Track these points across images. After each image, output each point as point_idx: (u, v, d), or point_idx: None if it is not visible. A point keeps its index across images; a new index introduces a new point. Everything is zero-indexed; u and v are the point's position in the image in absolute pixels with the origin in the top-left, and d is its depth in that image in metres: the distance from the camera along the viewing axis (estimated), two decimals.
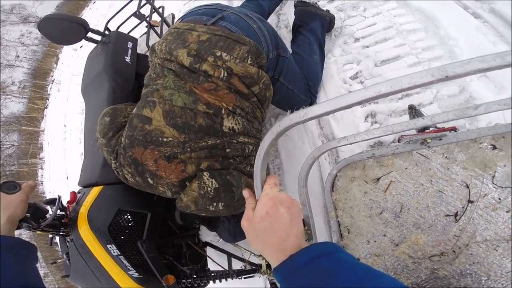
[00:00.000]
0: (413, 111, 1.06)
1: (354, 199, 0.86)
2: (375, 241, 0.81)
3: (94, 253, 0.99)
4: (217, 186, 0.86)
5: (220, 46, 0.93)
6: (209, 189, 0.86)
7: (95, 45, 1.49)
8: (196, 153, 0.88)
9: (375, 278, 0.38)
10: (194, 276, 1.22)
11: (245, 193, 0.56)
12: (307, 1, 1.58)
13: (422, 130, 0.82)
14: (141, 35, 2.21)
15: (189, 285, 1.20)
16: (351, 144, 0.82)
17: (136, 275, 1.01)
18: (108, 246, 0.99)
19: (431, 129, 0.80)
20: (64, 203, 1.05)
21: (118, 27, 1.86)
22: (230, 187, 0.87)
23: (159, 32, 1.98)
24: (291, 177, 1.56)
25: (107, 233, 1.00)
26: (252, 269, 1.45)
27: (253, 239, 0.50)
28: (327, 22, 1.59)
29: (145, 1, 1.81)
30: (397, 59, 1.45)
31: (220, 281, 1.32)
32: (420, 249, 0.73)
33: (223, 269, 1.35)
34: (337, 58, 1.57)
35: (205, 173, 0.87)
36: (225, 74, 0.90)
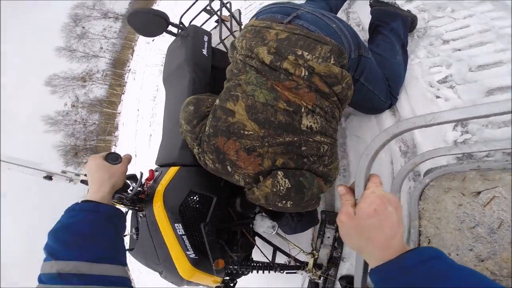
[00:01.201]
0: None
1: (445, 211, 0.82)
2: (457, 255, 0.79)
3: (162, 231, 1.05)
4: (289, 186, 0.89)
5: (301, 45, 0.92)
6: (281, 188, 0.89)
7: (164, 39, 1.60)
8: (273, 148, 0.90)
9: (487, 283, 0.38)
10: (240, 263, 1.25)
11: (341, 189, 0.55)
12: (385, 0, 1.47)
13: None
14: (211, 29, 2.33)
15: (234, 272, 1.22)
16: (462, 154, 0.76)
17: (193, 255, 1.06)
18: (176, 225, 1.05)
19: None
20: (143, 180, 1.12)
21: (191, 21, 1.99)
22: (302, 188, 0.89)
23: (229, 26, 2.06)
24: None
25: (177, 212, 1.06)
26: (297, 266, 1.45)
27: (354, 235, 0.49)
28: (409, 22, 1.47)
29: None
30: (498, 65, 1.24)
31: (263, 272, 1.33)
32: (507, 267, 0.71)
33: (267, 261, 1.36)
34: (422, 60, 1.42)
35: (279, 172, 0.90)
36: (306, 73, 0.90)
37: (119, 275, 0.59)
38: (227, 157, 0.94)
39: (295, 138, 0.91)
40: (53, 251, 0.55)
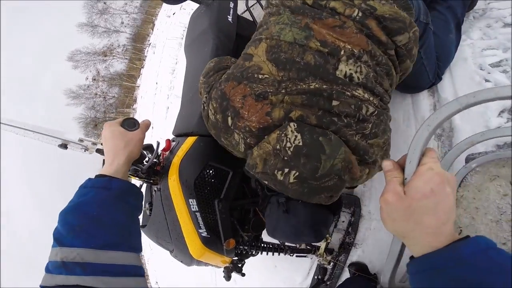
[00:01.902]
0: None
1: (486, 200, 0.76)
2: None
3: (175, 207, 1.01)
4: (300, 144, 0.66)
5: None
6: (288, 144, 0.66)
7: (185, 11, 1.54)
8: (291, 97, 0.70)
9: None
10: (250, 244, 1.20)
11: (388, 164, 0.46)
12: None
13: None
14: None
15: (244, 252, 1.19)
16: (504, 142, 0.67)
17: (205, 234, 1.02)
18: (190, 200, 1.00)
19: None
20: (159, 150, 1.05)
21: None
22: (318, 152, 0.65)
23: None
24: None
25: (192, 186, 1.00)
26: (307, 249, 1.41)
27: (400, 218, 0.42)
28: (469, 1, 1.30)
29: None
30: None
31: (273, 254, 1.29)
32: None
33: (278, 243, 1.32)
34: (475, 42, 1.28)
35: (292, 124, 0.68)
36: (360, 14, 0.75)
37: (129, 264, 0.53)
38: (230, 104, 0.76)
39: (325, 86, 0.70)
40: (59, 236, 0.51)
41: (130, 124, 0.72)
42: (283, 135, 0.67)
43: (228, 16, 1.37)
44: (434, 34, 1.14)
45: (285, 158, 0.66)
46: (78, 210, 0.54)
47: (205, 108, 0.86)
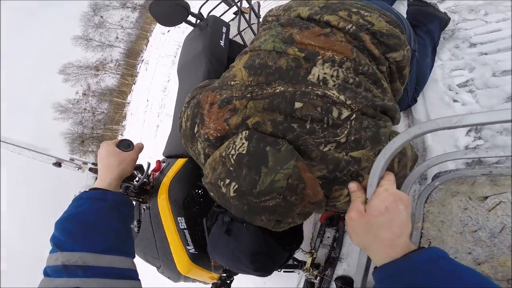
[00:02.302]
0: None
1: (449, 214, 0.83)
2: (455, 257, 0.79)
3: (164, 224, 1.03)
4: (243, 152, 0.59)
5: (357, 6, 0.78)
6: (232, 152, 0.60)
7: (179, 29, 1.59)
8: (254, 102, 0.65)
9: (489, 283, 0.38)
10: None
11: (353, 186, 0.53)
12: (427, 0, 1.42)
13: None
14: (229, 21, 2.33)
15: None
16: (479, 158, 0.80)
17: (192, 250, 1.03)
18: (178, 218, 1.02)
19: None
20: (150, 171, 1.08)
21: (210, 11, 1.99)
22: (260, 164, 0.57)
23: (247, 19, 2.05)
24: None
25: (181, 205, 1.02)
26: (294, 265, 1.43)
27: (362, 233, 0.48)
28: (443, 24, 1.42)
29: None
30: None
31: None
32: (502, 271, 0.71)
33: None
34: (445, 62, 1.39)
35: (244, 132, 0.63)
36: (353, 28, 0.73)
37: (126, 267, 0.57)
38: (199, 112, 0.73)
39: (290, 89, 0.64)
40: (59, 242, 0.53)
41: (125, 145, 0.78)
42: (231, 142, 0.62)
43: (221, 41, 1.43)
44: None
45: (230, 168, 0.60)
46: (76, 218, 0.57)
47: (181, 115, 0.82)
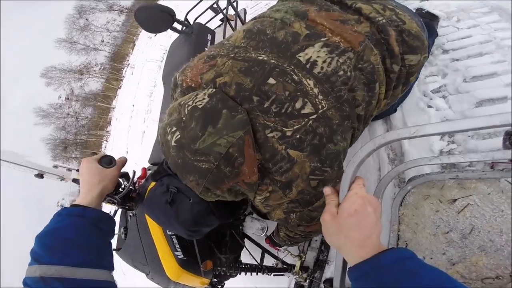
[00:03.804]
0: (510, 138, 0.94)
1: (422, 216, 0.87)
2: (431, 258, 0.82)
3: (151, 230, 1.04)
4: (200, 106, 0.57)
5: (393, 4, 0.77)
6: (190, 102, 0.59)
7: (166, 34, 1.60)
8: (233, 62, 0.63)
9: (452, 282, 0.40)
10: (228, 265, 1.24)
11: (327, 190, 0.56)
12: (437, 15, 1.45)
13: None
14: (215, 28, 2.36)
15: (222, 273, 1.22)
16: (442, 164, 0.83)
17: (181, 256, 1.04)
18: None
19: None
20: (135, 179, 1.08)
21: (196, 18, 2.00)
22: (208, 121, 0.56)
23: (233, 26, 2.08)
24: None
25: None
26: (284, 268, 1.46)
27: (334, 234, 0.51)
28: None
29: None
30: (492, 76, 1.29)
31: (251, 274, 1.33)
32: (476, 271, 0.74)
33: (255, 263, 1.36)
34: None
35: (210, 89, 0.61)
36: (384, 21, 0.70)
37: (103, 279, 0.59)
38: (189, 64, 0.72)
39: (273, 61, 0.61)
40: (37, 256, 0.55)
41: (107, 161, 0.77)
42: (194, 94, 0.61)
43: (206, 48, 1.44)
44: None
45: (183, 117, 0.59)
46: (54, 233, 0.59)
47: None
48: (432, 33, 1.41)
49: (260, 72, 0.60)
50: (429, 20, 1.43)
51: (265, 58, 0.62)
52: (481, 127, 0.40)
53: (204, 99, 0.58)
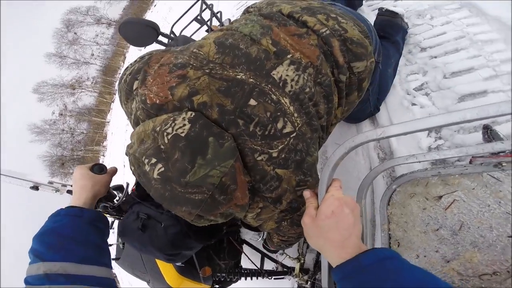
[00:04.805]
0: (488, 132, 0.97)
1: (411, 214, 0.86)
2: (425, 256, 0.82)
3: None
4: (182, 134, 0.53)
5: (337, 12, 0.80)
6: (169, 130, 0.54)
7: (156, 46, 1.59)
8: (212, 80, 0.60)
9: (434, 280, 0.41)
10: (228, 271, 1.25)
11: (307, 193, 0.58)
12: (397, 11, 1.45)
13: (497, 152, 0.78)
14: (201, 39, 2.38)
15: (222, 279, 1.23)
16: (419, 162, 0.82)
17: (179, 263, 1.05)
18: None
19: (507, 152, 0.76)
20: (129, 190, 1.10)
21: (182, 30, 2.03)
22: (197, 153, 0.52)
23: None
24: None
25: None
26: (284, 271, 1.47)
27: (314, 236, 0.53)
28: (405, 34, 1.50)
29: (205, 7, 1.95)
30: (470, 71, 1.32)
31: (251, 279, 1.34)
32: (472, 267, 0.73)
33: (255, 268, 1.37)
34: (401, 68, 1.49)
35: (189, 112, 0.56)
36: (327, 32, 0.73)
37: (104, 276, 0.60)
38: (145, 69, 0.65)
39: (251, 80, 0.61)
40: (39, 253, 0.56)
41: (99, 168, 0.82)
42: (171, 118, 0.55)
43: None
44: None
45: (161, 146, 0.54)
46: (55, 232, 0.61)
47: (128, 67, 0.73)
48: (398, 30, 1.45)
49: (241, 93, 0.59)
50: (391, 18, 1.46)
51: (243, 77, 0.61)
52: (441, 125, 0.42)
53: (185, 125, 0.54)
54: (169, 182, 0.53)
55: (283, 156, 0.60)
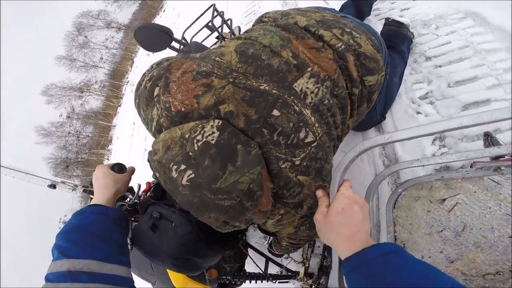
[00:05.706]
0: (489, 139, 1.00)
1: (416, 217, 0.90)
2: (430, 257, 0.84)
3: None
4: (212, 141, 0.55)
5: (350, 26, 0.82)
6: (199, 137, 0.55)
7: (164, 51, 1.63)
8: (236, 90, 0.62)
9: (438, 275, 0.42)
10: (233, 274, 1.27)
11: (319, 192, 0.63)
12: (403, 22, 1.50)
13: (497, 157, 0.82)
14: (211, 46, 2.45)
15: (227, 282, 1.24)
16: (423, 166, 0.86)
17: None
18: None
19: (506, 157, 0.81)
20: (140, 192, 1.12)
21: (193, 37, 2.10)
22: (227, 160, 0.54)
23: None
24: None
25: None
26: (288, 275, 1.48)
27: (326, 231, 0.57)
28: (411, 43, 1.54)
29: (216, 14, 2.01)
30: (474, 80, 1.35)
31: (256, 282, 1.36)
32: (475, 267, 0.76)
33: (260, 271, 1.39)
34: (406, 77, 1.52)
35: (217, 120, 0.58)
36: (342, 47, 0.75)
37: (125, 275, 0.61)
38: (166, 75, 0.66)
39: (274, 91, 0.63)
40: (64, 250, 0.56)
41: (119, 168, 0.85)
42: (200, 126, 0.57)
43: None
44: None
45: (190, 153, 0.54)
46: (81, 229, 0.62)
47: (145, 73, 0.74)
48: (404, 40, 1.49)
49: (264, 103, 0.61)
50: (397, 28, 1.50)
51: (267, 88, 0.63)
52: (441, 130, 0.46)
53: (213, 132, 0.56)
54: (199, 188, 0.53)
55: (305, 164, 0.62)
